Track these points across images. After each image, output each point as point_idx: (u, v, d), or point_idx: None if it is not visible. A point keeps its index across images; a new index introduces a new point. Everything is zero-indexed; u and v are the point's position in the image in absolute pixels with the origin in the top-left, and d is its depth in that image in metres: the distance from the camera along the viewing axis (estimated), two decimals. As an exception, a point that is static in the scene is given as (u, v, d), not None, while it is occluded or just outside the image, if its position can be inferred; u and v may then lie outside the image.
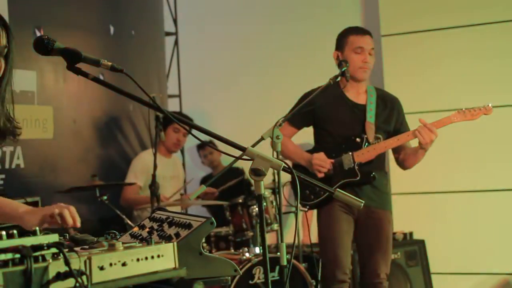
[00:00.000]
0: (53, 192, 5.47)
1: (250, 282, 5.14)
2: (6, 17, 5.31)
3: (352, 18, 7.95)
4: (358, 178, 4.73)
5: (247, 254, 5.41)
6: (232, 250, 5.82)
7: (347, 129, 4.81)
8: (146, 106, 2.53)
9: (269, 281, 2.54)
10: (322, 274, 4.76)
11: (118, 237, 3.15)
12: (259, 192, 2.45)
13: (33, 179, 5.53)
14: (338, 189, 2.55)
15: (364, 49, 4.78)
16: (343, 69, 4.42)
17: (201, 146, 7.98)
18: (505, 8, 6.75)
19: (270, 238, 7.08)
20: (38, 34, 5.55)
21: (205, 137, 2.66)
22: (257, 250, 5.50)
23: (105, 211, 5.86)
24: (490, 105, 4.65)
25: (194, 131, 2.54)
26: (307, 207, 4.80)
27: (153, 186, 5.19)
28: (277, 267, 5.25)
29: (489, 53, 6.83)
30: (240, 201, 5.66)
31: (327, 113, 4.78)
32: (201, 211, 7.53)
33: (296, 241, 5.96)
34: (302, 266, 5.37)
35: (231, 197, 5.85)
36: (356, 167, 4.72)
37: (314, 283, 5.38)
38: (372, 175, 4.75)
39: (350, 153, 4.73)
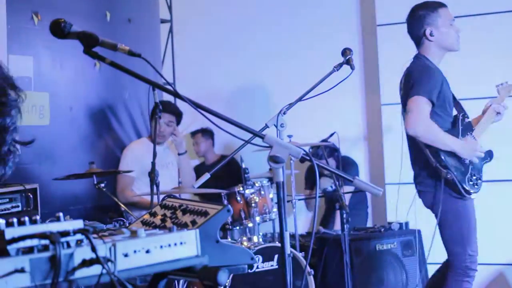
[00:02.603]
0: (50, 179, 5.43)
1: (249, 271, 5.12)
2: (3, 3, 5.29)
3: (349, 7, 7.94)
4: (489, 159, 4.85)
5: (245, 243, 5.40)
6: (230, 239, 5.80)
7: (455, 109, 4.83)
8: (164, 91, 2.50)
9: (288, 269, 2.51)
10: (460, 262, 4.74)
11: (127, 224, 3.12)
12: (278, 180, 2.43)
13: (29, 166, 5.48)
14: (356, 177, 2.52)
15: (454, 20, 4.82)
16: (347, 58, 4.38)
17: (192, 134, 7.94)
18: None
19: (267, 227, 7.06)
20: (35, 19, 5.50)
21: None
22: (256, 239, 5.49)
23: (101, 199, 5.83)
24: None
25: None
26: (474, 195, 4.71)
27: (153, 173, 5.13)
28: (276, 256, 5.25)
29: (486, 44, 6.82)
30: (238, 189, 5.62)
31: (446, 91, 4.71)
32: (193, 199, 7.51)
33: (293, 230, 5.95)
34: (300, 255, 5.35)
35: (229, 186, 5.81)
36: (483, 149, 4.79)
37: (312, 272, 5.37)
38: (492, 152, 4.86)
39: (470, 134, 4.75)
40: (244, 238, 5.50)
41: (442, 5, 4.85)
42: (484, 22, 6.81)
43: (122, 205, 5.53)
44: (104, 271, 1.82)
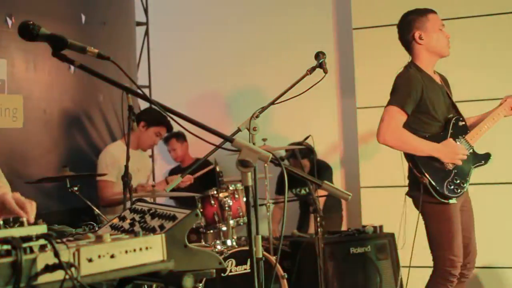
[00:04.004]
0: (22, 182, 5.37)
1: (223, 275, 5.11)
2: (-24, 4, 5.26)
3: (324, 10, 7.96)
4: (483, 162, 4.85)
5: (219, 247, 5.38)
6: (203, 243, 5.78)
7: (447, 112, 4.83)
8: (138, 97, 2.48)
9: (255, 274, 2.50)
10: (440, 266, 4.76)
11: (96, 228, 3.09)
12: (246, 184, 2.43)
13: (1, 169, 5.42)
14: (325, 181, 2.52)
15: (444, 26, 4.90)
16: (320, 61, 4.37)
17: (165, 140, 7.90)
18: (474, 3, 6.78)
19: (241, 231, 7.06)
20: (9, 22, 5.46)
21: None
22: (229, 242, 5.47)
23: (75, 202, 5.78)
24: None
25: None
26: (453, 200, 4.68)
27: (126, 177, 5.09)
28: (249, 260, 5.23)
29: (459, 46, 6.83)
30: (212, 193, 5.61)
31: (431, 97, 4.74)
32: (169, 203, 7.48)
33: (267, 234, 5.95)
34: (273, 259, 5.34)
35: (203, 189, 5.80)
36: (475, 152, 4.83)
37: (286, 276, 5.36)
38: (490, 156, 4.87)
39: (462, 137, 4.79)
40: (218, 242, 5.48)
41: (432, 11, 4.93)
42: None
43: (95, 209, 5.49)
44: (67, 276, 1.80)
